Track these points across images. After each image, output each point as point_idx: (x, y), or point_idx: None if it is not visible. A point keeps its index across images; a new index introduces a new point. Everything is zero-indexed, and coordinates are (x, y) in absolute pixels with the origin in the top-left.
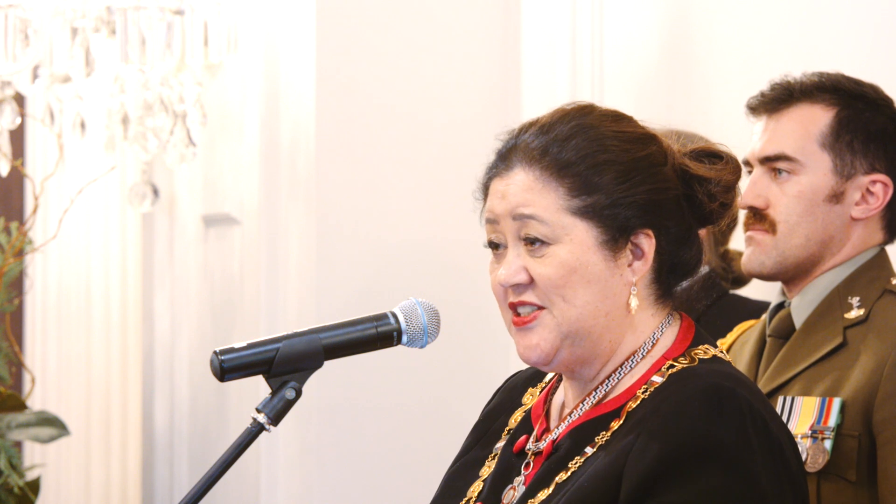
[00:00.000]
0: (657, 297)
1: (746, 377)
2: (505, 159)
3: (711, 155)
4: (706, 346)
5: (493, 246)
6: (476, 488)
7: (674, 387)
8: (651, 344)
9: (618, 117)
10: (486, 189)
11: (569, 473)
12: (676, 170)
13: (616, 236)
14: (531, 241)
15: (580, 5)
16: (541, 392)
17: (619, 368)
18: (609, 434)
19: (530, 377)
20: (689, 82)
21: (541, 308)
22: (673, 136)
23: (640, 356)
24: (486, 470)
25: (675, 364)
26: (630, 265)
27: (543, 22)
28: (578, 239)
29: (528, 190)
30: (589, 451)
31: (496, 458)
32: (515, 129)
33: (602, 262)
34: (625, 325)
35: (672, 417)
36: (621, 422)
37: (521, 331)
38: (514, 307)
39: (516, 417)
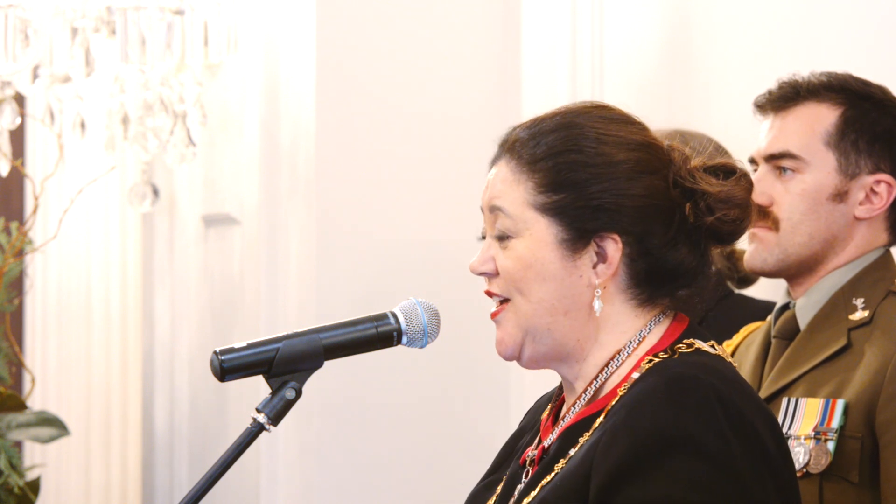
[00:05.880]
0: (642, 300)
1: (725, 366)
2: (498, 149)
3: (722, 169)
4: (691, 339)
5: (483, 236)
6: None
7: (643, 381)
8: (637, 342)
9: (616, 120)
10: None
11: (553, 475)
12: (676, 181)
13: (576, 237)
14: (500, 233)
15: (580, 5)
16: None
17: (605, 368)
18: (590, 434)
19: (552, 396)
20: (689, 82)
21: (506, 301)
22: (677, 137)
23: (626, 354)
24: (501, 487)
25: (654, 359)
26: (595, 267)
27: (543, 22)
28: (537, 235)
29: (503, 181)
30: (572, 452)
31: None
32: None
33: (558, 260)
34: (591, 326)
35: (635, 410)
36: (602, 421)
37: (496, 325)
38: (489, 296)
39: (533, 433)
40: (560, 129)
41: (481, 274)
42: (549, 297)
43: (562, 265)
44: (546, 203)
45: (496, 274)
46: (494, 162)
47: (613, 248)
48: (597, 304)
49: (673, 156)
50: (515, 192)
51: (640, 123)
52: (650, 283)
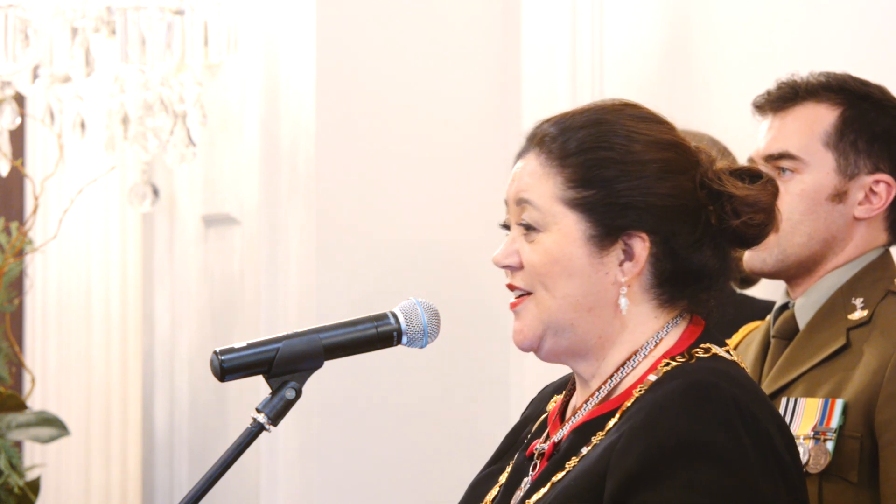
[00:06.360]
0: (663, 300)
1: (741, 373)
2: (526, 143)
3: (747, 173)
4: (708, 344)
5: (505, 227)
6: (493, 494)
7: (661, 385)
8: (654, 343)
9: (646, 119)
10: None
11: (564, 472)
12: (703, 182)
13: (604, 234)
14: (526, 226)
15: (580, 5)
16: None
17: (622, 367)
18: (604, 433)
19: (559, 386)
20: (689, 82)
21: (528, 293)
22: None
23: (643, 355)
24: (505, 476)
25: (672, 362)
26: (621, 265)
27: (543, 22)
28: (566, 230)
29: (531, 175)
30: (585, 450)
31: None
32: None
33: (586, 256)
34: (615, 323)
35: (653, 415)
36: (616, 421)
37: (515, 314)
38: (510, 289)
39: (538, 423)
40: (591, 126)
41: (505, 267)
42: (575, 292)
43: (589, 261)
44: (576, 198)
45: (520, 267)
46: (521, 155)
47: (641, 246)
48: (623, 302)
49: (700, 157)
50: (544, 185)
51: (668, 123)
52: (673, 283)
